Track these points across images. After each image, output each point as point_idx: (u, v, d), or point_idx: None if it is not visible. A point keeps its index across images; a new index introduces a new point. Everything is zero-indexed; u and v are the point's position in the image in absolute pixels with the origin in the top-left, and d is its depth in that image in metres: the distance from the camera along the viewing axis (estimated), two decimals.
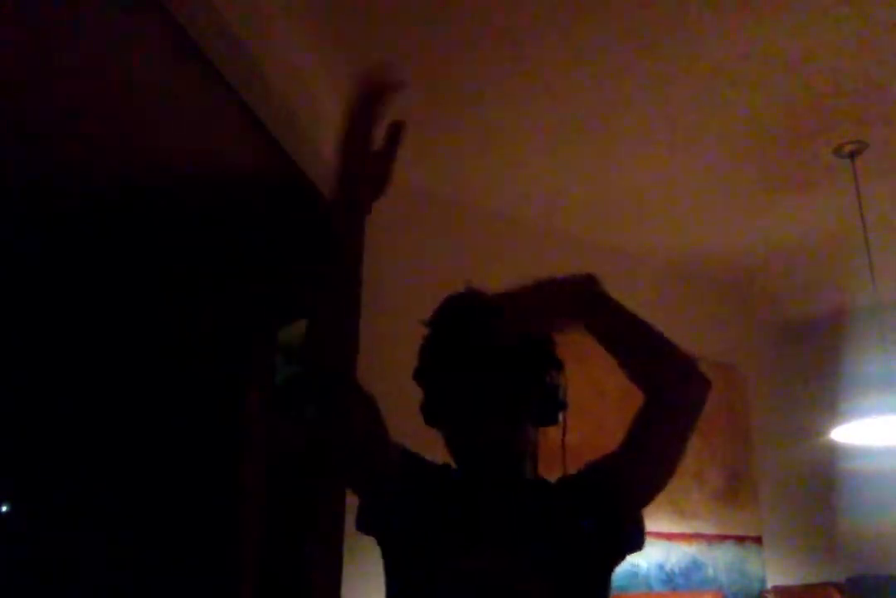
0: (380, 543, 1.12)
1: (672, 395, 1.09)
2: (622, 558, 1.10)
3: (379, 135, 1.14)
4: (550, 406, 1.14)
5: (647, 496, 1.11)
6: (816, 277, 3.64)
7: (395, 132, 1.14)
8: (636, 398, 1.13)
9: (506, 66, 2.16)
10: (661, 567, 2.93)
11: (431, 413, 1.15)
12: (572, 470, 1.15)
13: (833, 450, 3.42)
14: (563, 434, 1.16)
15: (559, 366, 1.16)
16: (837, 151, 2.57)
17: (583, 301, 1.15)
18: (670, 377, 1.10)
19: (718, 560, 3.15)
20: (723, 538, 3.21)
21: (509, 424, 1.12)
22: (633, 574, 2.81)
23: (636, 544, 1.11)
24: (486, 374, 1.10)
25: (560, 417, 1.15)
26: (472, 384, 1.10)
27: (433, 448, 1.16)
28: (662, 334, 1.15)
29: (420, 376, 1.17)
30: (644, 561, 2.87)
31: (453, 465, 1.14)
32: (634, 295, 3.76)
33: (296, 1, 1.91)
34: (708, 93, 2.28)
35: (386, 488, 1.10)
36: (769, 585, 3.28)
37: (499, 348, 1.11)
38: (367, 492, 1.13)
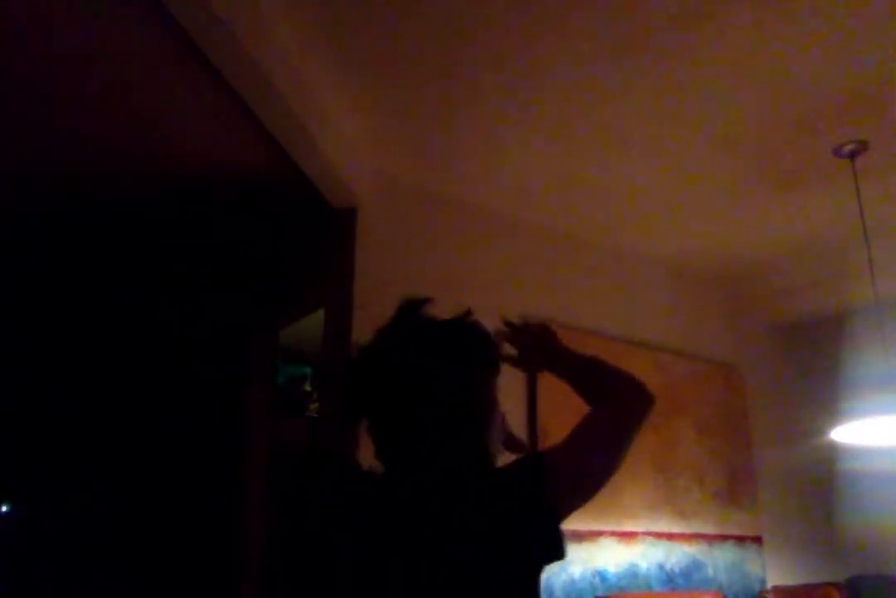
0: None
1: (619, 406, 1.22)
2: (542, 566, 1.10)
3: None
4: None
5: (580, 492, 1.13)
6: (816, 277, 3.64)
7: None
8: None
9: (508, 66, 2.16)
10: (661, 567, 2.93)
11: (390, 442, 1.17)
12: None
13: (833, 450, 3.42)
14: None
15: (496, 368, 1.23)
16: (837, 151, 2.57)
17: (543, 355, 1.36)
18: (619, 397, 1.24)
19: (718, 560, 3.15)
20: (723, 538, 3.21)
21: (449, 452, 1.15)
22: (633, 574, 2.81)
23: (560, 550, 1.10)
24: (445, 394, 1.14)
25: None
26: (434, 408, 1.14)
27: None
28: (608, 365, 1.29)
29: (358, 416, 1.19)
30: (644, 561, 2.87)
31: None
32: (635, 295, 3.76)
33: (296, 2, 1.91)
34: (708, 93, 2.28)
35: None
36: (769, 585, 3.28)
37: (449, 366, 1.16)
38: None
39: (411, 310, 1.22)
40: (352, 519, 1.10)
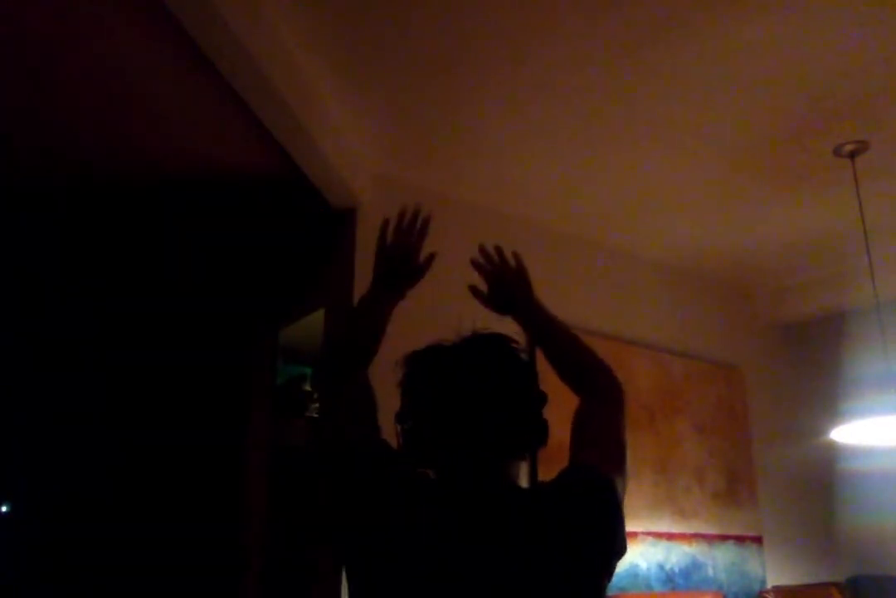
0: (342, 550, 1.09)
1: (601, 397, 1.26)
2: (612, 569, 1.08)
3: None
4: (542, 436, 1.15)
5: (621, 483, 1.14)
6: (816, 277, 3.64)
7: (430, 259, 1.43)
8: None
9: (507, 66, 2.16)
10: (661, 567, 2.93)
11: (421, 451, 1.14)
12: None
13: (833, 450, 3.42)
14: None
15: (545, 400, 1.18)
16: (837, 151, 2.57)
17: (513, 298, 1.39)
18: (597, 385, 1.27)
19: (718, 560, 3.15)
20: (723, 538, 3.21)
21: (504, 458, 1.12)
22: (633, 574, 2.81)
23: (622, 548, 1.10)
24: (487, 413, 1.10)
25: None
26: (474, 423, 1.10)
27: None
28: (583, 343, 1.33)
29: (409, 416, 1.15)
30: (644, 561, 2.87)
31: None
32: (635, 295, 3.76)
33: (297, 3, 1.91)
34: (708, 93, 2.29)
35: (357, 470, 1.10)
36: (769, 585, 3.27)
37: (494, 386, 1.12)
38: (340, 482, 1.13)
39: (500, 341, 1.19)
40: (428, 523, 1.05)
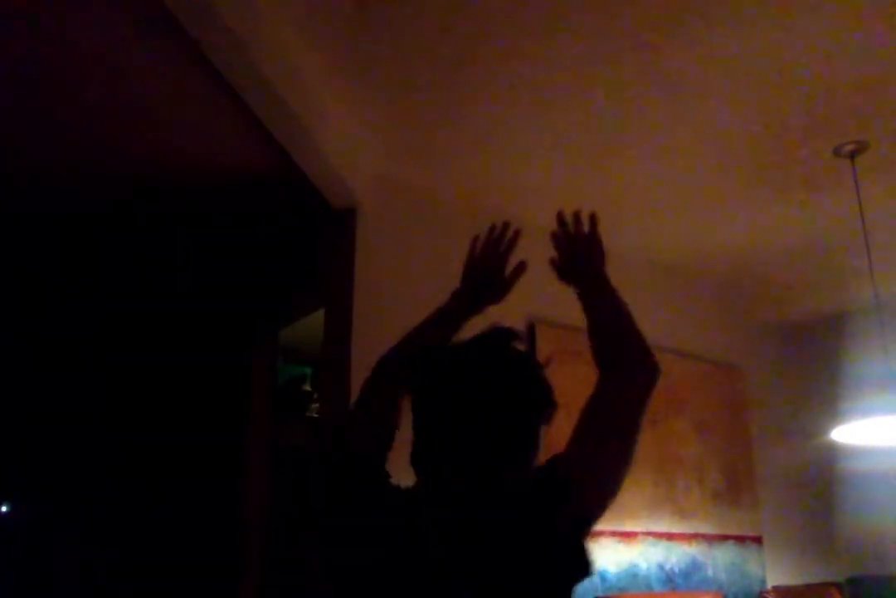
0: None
1: (628, 377, 1.16)
2: (572, 586, 1.03)
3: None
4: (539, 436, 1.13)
5: (606, 488, 1.08)
6: (816, 277, 3.64)
7: (519, 269, 1.45)
8: None
9: (507, 67, 2.16)
10: (661, 567, 2.93)
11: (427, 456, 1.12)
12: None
13: (833, 450, 3.42)
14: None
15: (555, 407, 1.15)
16: (837, 151, 2.57)
17: (584, 271, 1.38)
18: (631, 361, 1.19)
19: (718, 560, 3.15)
20: (723, 538, 3.21)
21: (492, 462, 1.09)
22: (633, 574, 2.81)
23: (587, 567, 1.04)
24: (496, 417, 1.08)
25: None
26: (484, 429, 1.08)
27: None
28: (634, 320, 1.26)
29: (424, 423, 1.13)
30: (644, 561, 2.87)
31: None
32: (634, 295, 3.74)
33: (297, 3, 1.92)
34: (708, 93, 2.29)
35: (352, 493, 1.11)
36: (769, 585, 3.28)
37: (505, 393, 1.09)
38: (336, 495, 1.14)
39: (503, 338, 1.15)
40: (383, 533, 1.05)
